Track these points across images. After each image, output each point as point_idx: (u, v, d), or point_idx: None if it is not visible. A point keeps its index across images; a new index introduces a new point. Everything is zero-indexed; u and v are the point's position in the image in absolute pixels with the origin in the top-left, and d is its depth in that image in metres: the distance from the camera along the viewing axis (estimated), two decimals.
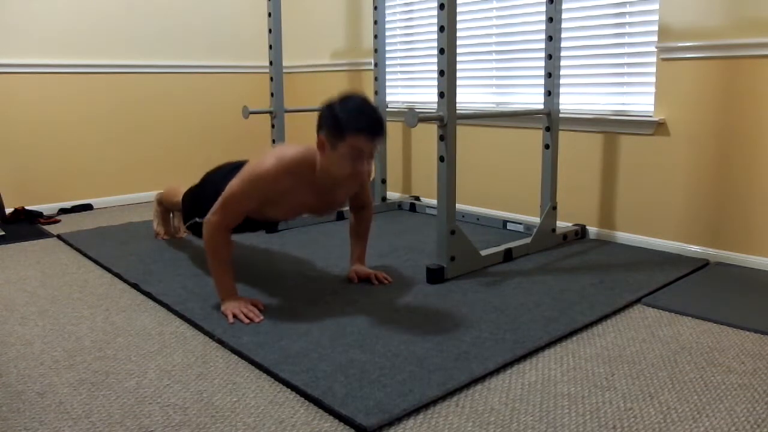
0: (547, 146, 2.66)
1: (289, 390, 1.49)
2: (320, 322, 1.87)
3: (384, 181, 3.52)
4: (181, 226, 2.94)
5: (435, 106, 3.49)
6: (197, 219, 2.32)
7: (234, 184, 1.90)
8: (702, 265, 2.42)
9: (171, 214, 2.93)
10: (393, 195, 3.83)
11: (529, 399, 1.44)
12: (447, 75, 2.13)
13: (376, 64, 3.45)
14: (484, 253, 2.43)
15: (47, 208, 3.53)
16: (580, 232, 2.85)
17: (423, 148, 3.63)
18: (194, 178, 4.10)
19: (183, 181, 4.04)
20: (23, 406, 1.43)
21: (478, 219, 3.17)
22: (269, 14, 2.96)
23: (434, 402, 1.43)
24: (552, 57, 2.58)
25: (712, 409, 1.39)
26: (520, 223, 3.00)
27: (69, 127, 3.58)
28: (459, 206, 3.42)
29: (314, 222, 3.15)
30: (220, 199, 1.91)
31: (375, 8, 3.38)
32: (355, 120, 1.78)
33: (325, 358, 1.62)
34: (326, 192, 1.99)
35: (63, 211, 3.54)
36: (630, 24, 2.66)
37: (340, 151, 1.80)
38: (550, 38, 2.57)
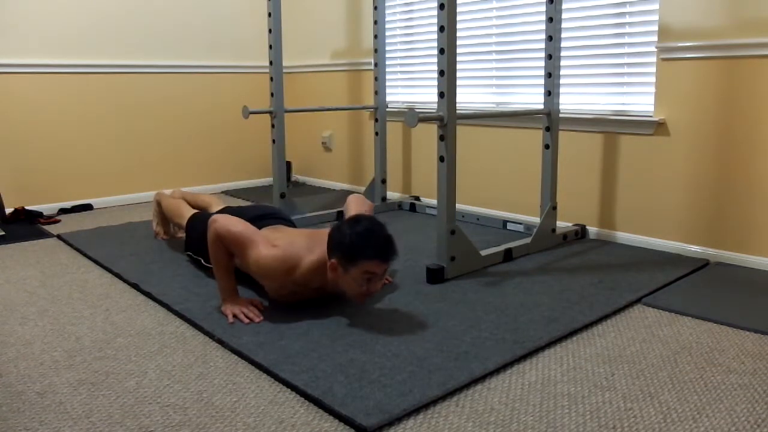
0: (547, 146, 2.66)
1: (289, 390, 1.49)
2: (320, 322, 1.87)
3: (384, 181, 3.52)
4: (181, 232, 2.93)
5: (435, 106, 3.49)
6: (201, 260, 2.34)
7: (252, 248, 1.87)
8: (702, 265, 2.42)
9: None
10: (393, 195, 3.83)
11: (529, 399, 1.44)
12: (447, 75, 2.13)
13: (376, 64, 3.45)
14: (484, 253, 2.43)
15: (47, 208, 3.53)
16: (580, 232, 2.85)
17: (423, 148, 3.63)
18: (194, 178, 4.11)
19: (183, 182, 4.05)
20: (23, 406, 1.43)
21: (478, 219, 3.17)
22: (269, 14, 2.96)
23: (434, 402, 1.43)
24: (552, 57, 2.58)
25: (712, 409, 1.39)
26: (520, 223, 3.00)
27: (69, 127, 3.58)
28: (459, 206, 3.42)
29: (314, 222, 3.16)
30: (242, 233, 1.88)
31: (375, 8, 3.38)
32: (367, 246, 1.76)
33: (325, 358, 1.62)
34: (331, 291, 2.01)
35: (63, 211, 3.54)
36: (630, 24, 2.66)
37: (353, 275, 1.78)
38: (550, 38, 2.57)
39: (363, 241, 1.76)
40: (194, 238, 2.39)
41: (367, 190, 3.52)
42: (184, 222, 2.54)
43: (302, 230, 2.09)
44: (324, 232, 1.98)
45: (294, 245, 1.90)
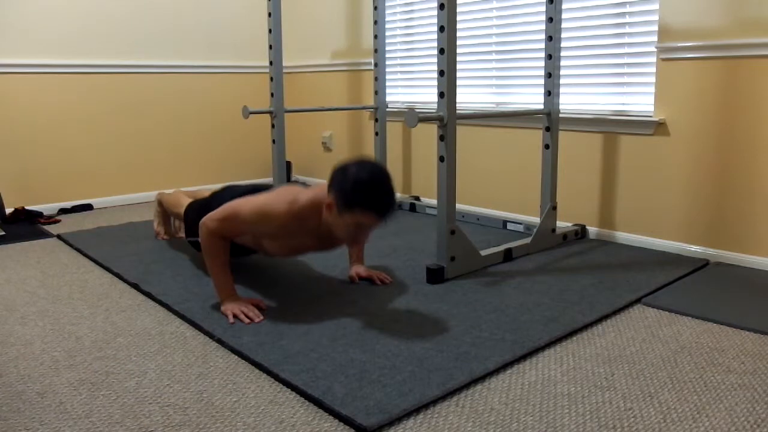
0: (547, 146, 2.66)
1: (289, 390, 1.49)
2: (320, 322, 1.87)
3: None
4: (182, 228, 2.94)
5: (435, 106, 3.49)
6: (194, 239, 2.34)
7: (244, 206, 1.89)
8: (702, 265, 2.42)
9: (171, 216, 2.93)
10: None
11: (529, 399, 1.44)
12: (447, 75, 2.13)
13: (376, 64, 3.45)
14: (484, 253, 2.43)
15: (47, 208, 3.53)
16: (580, 232, 2.85)
17: (423, 148, 3.63)
18: (194, 178, 4.11)
19: (183, 182, 4.05)
20: (23, 406, 1.43)
21: (478, 219, 3.17)
22: (269, 14, 2.96)
23: (434, 402, 1.43)
24: (552, 57, 2.58)
25: (712, 409, 1.39)
26: (520, 223, 3.00)
27: (69, 127, 3.58)
28: (459, 206, 3.42)
29: None
30: (224, 209, 1.90)
31: (375, 8, 3.38)
32: (366, 197, 1.73)
33: (325, 358, 1.62)
34: (326, 238, 1.99)
35: (63, 211, 3.54)
36: (630, 24, 2.66)
37: (346, 219, 1.78)
38: (550, 38, 2.57)
39: (363, 191, 1.73)
40: (194, 222, 2.38)
41: None
42: (182, 211, 2.54)
43: None
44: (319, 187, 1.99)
45: (290, 187, 1.94)
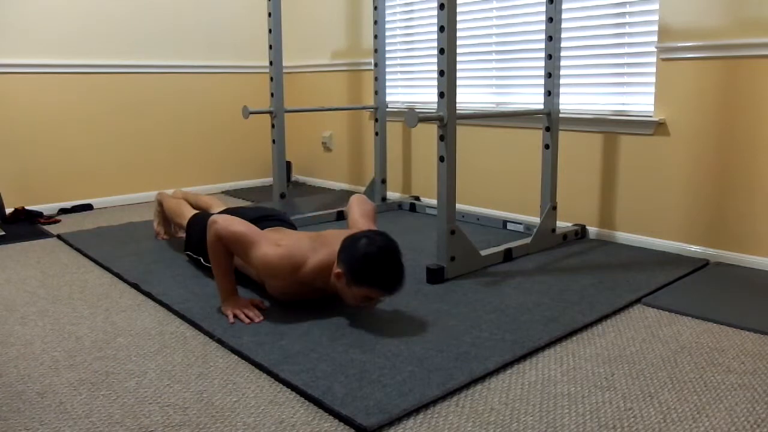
0: (547, 146, 2.66)
1: (289, 390, 1.49)
2: (320, 322, 1.87)
3: (384, 181, 3.52)
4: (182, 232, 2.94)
5: (435, 106, 3.49)
6: (201, 260, 2.35)
7: (257, 246, 1.87)
8: (702, 265, 2.42)
9: None
10: (393, 195, 3.83)
11: (529, 399, 1.44)
12: (447, 75, 2.13)
13: (376, 64, 3.45)
14: (484, 253, 2.43)
15: (47, 208, 3.53)
16: (580, 232, 2.85)
17: (423, 148, 3.63)
18: (194, 178, 4.11)
19: (183, 182, 4.05)
20: (23, 406, 1.43)
21: (478, 219, 3.17)
22: (269, 14, 2.96)
23: (434, 402, 1.43)
24: (552, 57, 2.58)
25: (712, 409, 1.39)
26: (520, 223, 3.00)
27: (69, 127, 3.58)
28: (459, 206, 3.42)
29: (315, 222, 3.16)
30: (243, 231, 1.88)
31: (375, 8, 3.38)
32: (375, 274, 1.75)
33: (325, 358, 1.62)
34: (332, 294, 2.00)
35: (63, 211, 3.54)
36: (630, 24, 2.66)
37: (354, 291, 1.79)
38: (550, 38, 2.57)
39: (373, 268, 1.75)
40: (194, 238, 2.39)
41: (367, 190, 3.52)
42: (184, 222, 2.54)
43: (305, 232, 2.09)
44: (327, 234, 1.98)
45: (298, 245, 1.90)
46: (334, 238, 1.95)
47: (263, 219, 2.25)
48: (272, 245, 1.87)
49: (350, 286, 1.79)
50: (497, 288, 2.17)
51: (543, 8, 2.94)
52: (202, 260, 2.34)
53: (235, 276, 1.99)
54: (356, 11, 3.92)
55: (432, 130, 3.55)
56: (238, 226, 1.89)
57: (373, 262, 1.75)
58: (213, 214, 2.37)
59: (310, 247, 1.90)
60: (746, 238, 2.41)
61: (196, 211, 2.56)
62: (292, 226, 2.31)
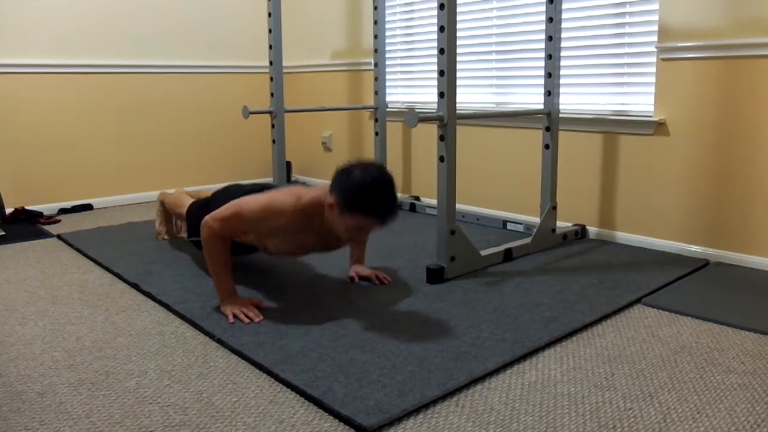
0: (547, 146, 2.66)
1: (289, 390, 1.49)
2: (320, 322, 1.87)
3: None
4: (184, 228, 2.94)
5: (435, 106, 3.49)
6: (196, 239, 2.33)
7: (248, 204, 1.89)
8: (702, 265, 2.42)
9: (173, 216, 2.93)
10: None
11: (529, 399, 1.44)
12: (447, 75, 2.13)
13: (376, 64, 3.44)
14: (484, 253, 2.43)
15: (47, 208, 3.53)
16: (580, 232, 2.85)
17: (423, 148, 3.63)
18: (194, 178, 4.11)
19: (183, 182, 4.05)
20: (23, 406, 1.43)
21: (478, 219, 3.17)
22: (269, 14, 2.96)
23: (434, 402, 1.43)
24: (552, 57, 2.58)
25: (712, 409, 1.39)
26: (520, 223, 3.00)
27: (69, 127, 3.58)
28: (459, 206, 3.42)
29: None
30: (228, 208, 1.90)
31: (375, 8, 3.38)
32: (368, 202, 1.74)
33: (325, 358, 1.62)
34: (329, 238, 2.00)
35: (63, 211, 3.54)
36: (630, 24, 2.66)
37: (347, 221, 1.79)
38: (550, 38, 2.57)
39: (366, 196, 1.74)
40: (195, 220, 2.37)
41: None
42: (184, 211, 2.54)
43: None
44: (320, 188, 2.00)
45: (291, 188, 1.94)
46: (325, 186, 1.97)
47: (260, 190, 2.26)
48: (266, 194, 1.90)
49: (343, 215, 1.78)
50: (497, 288, 2.17)
51: (543, 8, 2.94)
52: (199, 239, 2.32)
53: (236, 276, 1.99)
54: (356, 11, 3.92)
55: (432, 130, 3.55)
56: (224, 209, 1.91)
57: (367, 190, 1.74)
58: (209, 197, 2.36)
59: (305, 188, 1.94)
60: (746, 238, 2.41)
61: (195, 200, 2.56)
62: None
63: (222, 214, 1.90)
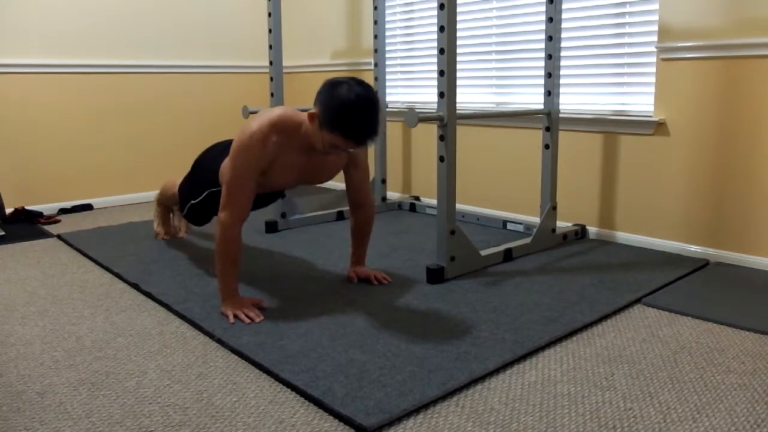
0: (547, 146, 2.66)
1: (289, 390, 1.49)
2: (320, 322, 1.87)
3: (384, 181, 3.52)
4: (182, 225, 2.94)
5: (435, 106, 3.49)
6: (192, 201, 2.34)
7: (229, 166, 1.89)
8: (702, 265, 2.42)
9: (171, 214, 2.93)
10: (393, 195, 3.83)
11: (529, 399, 1.44)
12: (447, 75, 2.13)
13: (376, 64, 3.45)
14: (484, 253, 2.43)
15: (47, 208, 3.53)
16: (580, 232, 2.85)
17: (423, 148, 3.63)
18: None
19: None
20: (23, 406, 1.43)
21: (478, 219, 3.17)
22: (269, 14, 2.96)
23: (434, 402, 1.43)
24: (552, 57, 2.58)
25: (712, 409, 1.39)
26: (520, 223, 3.00)
27: (69, 127, 3.58)
28: (459, 206, 3.42)
29: (315, 222, 3.16)
30: (223, 192, 1.90)
31: (375, 8, 3.38)
32: (347, 122, 1.75)
33: (325, 358, 1.62)
34: (315, 154, 1.98)
35: (63, 211, 3.54)
36: (630, 24, 2.66)
37: (324, 136, 1.80)
38: (550, 38, 2.57)
39: (347, 116, 1.74)
40: (186, 193, 2.39)
41: None
42: (176, 189, 2.55)
43: None
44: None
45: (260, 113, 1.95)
46: None
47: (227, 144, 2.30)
48: (234, 146, 1.88)
49: (322, 129, 1.78)
50: (497, 288, 2.17)
51: (543, 8, 2.94)
52: (192, 201, 2.32)
53: (237, 276, 1.99)
54: (356, 11, 3.92)
55: (432, 130, 3.55)
56: (223, 199, 1.89)
57: (349, 110, 1.73)
58: (192, 168, 2.39)
59: (273, 108, 1.95)
60: (746, 238, 2.41)
61: None
62: None
63: (224, 200, 1.89)
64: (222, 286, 1.95)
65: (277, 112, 1.91)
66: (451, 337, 1.76)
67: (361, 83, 1.80)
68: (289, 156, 1.95)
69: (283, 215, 3.05)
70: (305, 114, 1.89)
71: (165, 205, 2.85)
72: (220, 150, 2.25)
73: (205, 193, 2.25)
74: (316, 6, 4.22)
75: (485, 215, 3.17)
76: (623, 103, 2.73)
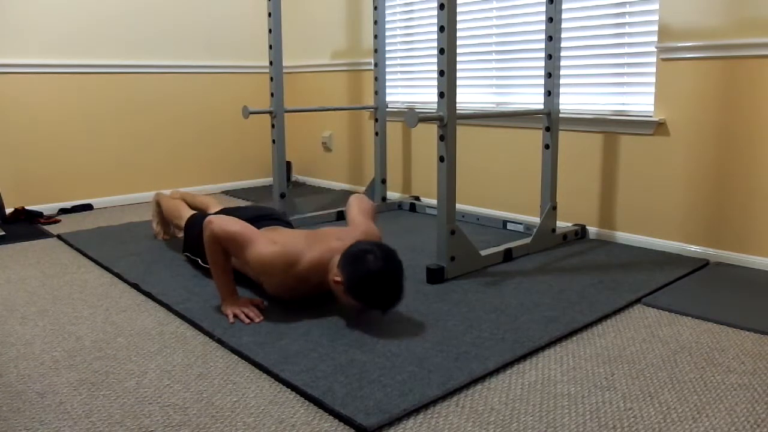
0: (547, 146, 2.66)
1: (289, 390, 1.49)
2: (320, 322, 1.87)
3: (384, 181, 3.52)
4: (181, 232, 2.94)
5: (435, 106, 3.49)
6: (190, 255, 2.39)
7: (253, 245, 1.87)
8: (702, 265, 2.42)
9: None
10: (393, 195, 3.83)
11: (529, 399, 1.44)
12: (447, 75, 2.13)
13: (376, 64, 3.45)
14: (484, 253, 2.43)
15: (47, 208, 3.53)
16: (580, 232, 2.85)
17: (423, 148, 3.63)
18: (194, 178, 4.11)
19: (183, 182, 4.05)
20: (23, 406, 1.43)
21: (478, 219, 3.17)
22: (269, 14, 2.96)
23: (434, 402, 1.43)
24: (552, 57, 2.58)
25: (712, 409, 1.39)
26: (520, 223, 3.00)
27: (69, 127, 3.58)
28: (459, 206, 3.42)
29: (315, 222, 3.16)
30: (240, 231, 1.88)
31: (375, 8, 3.38)
32: (373, 294, 1.75)
33: (325, 358, 1.62)
34: (327, 290, 1.99)
35: (63, 211, 3.54)
36: (630, 24, 2.66)
37: (350, 301, 1.80)
38: (550, 38, 2.57)
39: (372, 289, 1.75)
40: (192, 239, 2.39)
41: (367, 190, 3.52)
42: (182, 223, 2.54)
43: (300, 230, 2.09)
44: (323, 231, 1.99)
45: (294, 242, 1.91)
46: (329, 235, 1.97)
47: (260, 218, 2.25)
48: (267, 243, 1.87)
49: (346, 295, 1.79)
50: (497, 288, 2.17)
51: (543, 8, 2.94)
52: (200, 261, 2.34)
53: (234, 276, 1.99)
54: (356, 11, 3.92)
55: (432, 130, 3.55)
56: (234, 225, 1.89)
57: (374, 283, 1.74)
58: (209, 214, 2.37)
59: (306, 244, 1.91)
60: (746, 238, 2.41)
61: (194, 212, 2.56)
62: (289, 225, 2.31)
63: (229, 229, 1.87)
64: (219, 287, 1.95)
65: (308, 260, 1.88)
66: (451, 337, 1.76)
67: (384, 251, 1.79)
68: (300, 291, 1.98)
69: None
70: (308, 258, 1.88)
71: (165, 216, 2.84)
72: (249, 218, 2.20)
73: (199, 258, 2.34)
74: (316, 6, 4.22)
75: (485, 215, 3.17)
76: (623, 103, 2.73)
